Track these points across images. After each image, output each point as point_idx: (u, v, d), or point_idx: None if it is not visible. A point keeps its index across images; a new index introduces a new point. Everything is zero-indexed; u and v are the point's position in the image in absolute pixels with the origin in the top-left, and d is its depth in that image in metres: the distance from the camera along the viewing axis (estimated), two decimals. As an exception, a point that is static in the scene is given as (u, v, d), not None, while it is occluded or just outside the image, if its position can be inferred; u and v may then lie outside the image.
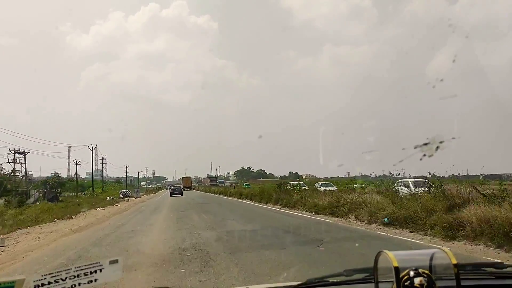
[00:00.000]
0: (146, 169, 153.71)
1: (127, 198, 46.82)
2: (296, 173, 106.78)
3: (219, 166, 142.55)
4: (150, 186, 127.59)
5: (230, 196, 41.95)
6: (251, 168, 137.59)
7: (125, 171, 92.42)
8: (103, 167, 79.82)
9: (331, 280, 1.77)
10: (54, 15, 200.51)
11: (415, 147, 1.30)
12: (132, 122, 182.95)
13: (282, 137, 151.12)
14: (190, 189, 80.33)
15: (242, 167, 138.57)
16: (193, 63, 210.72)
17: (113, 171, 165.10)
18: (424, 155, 1.32)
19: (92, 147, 64.22)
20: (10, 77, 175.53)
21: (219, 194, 51.12)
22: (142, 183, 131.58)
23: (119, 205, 33.55)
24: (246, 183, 74.93)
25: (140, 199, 47.14)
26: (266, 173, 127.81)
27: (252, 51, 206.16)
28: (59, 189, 49.79)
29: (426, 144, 1.30)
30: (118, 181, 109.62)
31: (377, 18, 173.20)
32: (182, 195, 49.76)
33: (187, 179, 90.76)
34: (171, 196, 49.14)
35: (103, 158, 79.27)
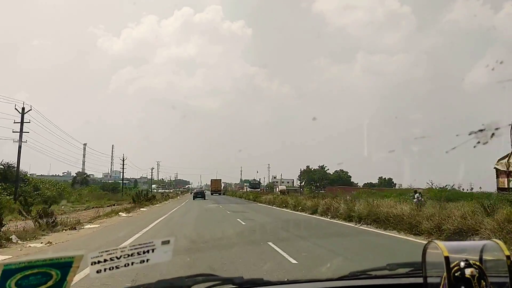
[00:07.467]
0: (158, 163, 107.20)
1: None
2: (390, 179, 79.42)
3: (268, 164, 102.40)
4: (161, 190, 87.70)
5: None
6: (326, 169, 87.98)
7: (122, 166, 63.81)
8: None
9: (373, 273, 1.75)
10: (87, 18, 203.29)
11: (470, 133, 1.28)
12: (159, 126, 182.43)
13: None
14: (220, 194, 69.58)
15: (307, 167, 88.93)
16: (224, 69, 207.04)
17: (134, 173, 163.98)
18: (478, 142, 1.29)
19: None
20: (42, 77, 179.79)
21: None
22: (153, 185, 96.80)
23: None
24: None
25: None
26: (349, 176, 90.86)
27: (284, 58, 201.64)
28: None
29: (481, 130, 1.27)
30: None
31: (416, 26, 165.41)
32: (204, 199, 48.08)
33: (216, 182, 75.16)
34: (194, 199, 47.76)
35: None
